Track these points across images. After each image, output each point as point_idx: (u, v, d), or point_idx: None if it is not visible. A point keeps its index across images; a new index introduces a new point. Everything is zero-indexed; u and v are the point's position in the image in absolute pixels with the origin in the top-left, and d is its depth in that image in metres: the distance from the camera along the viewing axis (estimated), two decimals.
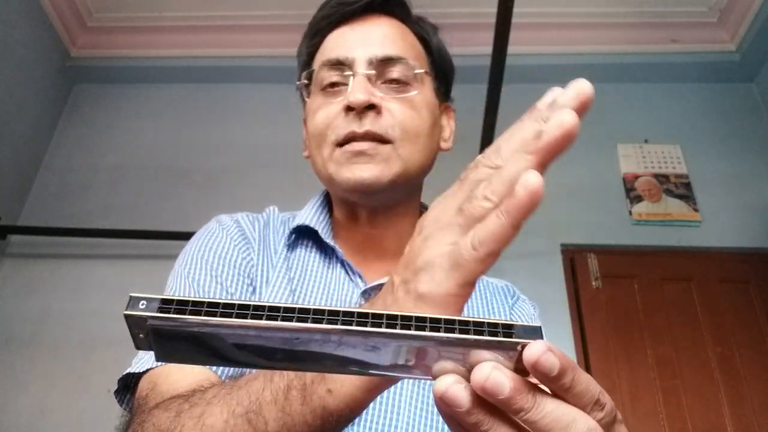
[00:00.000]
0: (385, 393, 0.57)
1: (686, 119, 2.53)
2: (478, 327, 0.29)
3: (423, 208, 0.78)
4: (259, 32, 2.71)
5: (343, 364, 0.31)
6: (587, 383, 0.29)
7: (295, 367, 0.32)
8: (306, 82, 0.71)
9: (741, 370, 1.97)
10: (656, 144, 2.47)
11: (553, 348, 0.28)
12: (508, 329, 0.29)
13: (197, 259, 0.63)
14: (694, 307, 2.09)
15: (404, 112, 0.65)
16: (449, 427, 0.31)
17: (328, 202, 0.75)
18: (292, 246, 0.69)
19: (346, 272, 0.67)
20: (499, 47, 1.41)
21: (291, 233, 0.69)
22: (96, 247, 2.32)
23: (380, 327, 0.28)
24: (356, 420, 0.55)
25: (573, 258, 2.22)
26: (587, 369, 1.99)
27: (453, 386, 0.28)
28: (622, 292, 2.14)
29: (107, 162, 2.58)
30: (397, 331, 0.29)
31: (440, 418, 0.56)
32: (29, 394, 2.08)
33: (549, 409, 0.28)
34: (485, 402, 0.28)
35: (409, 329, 0.29)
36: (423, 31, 0.74)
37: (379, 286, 0.64)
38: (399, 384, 0.58)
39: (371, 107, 0.63)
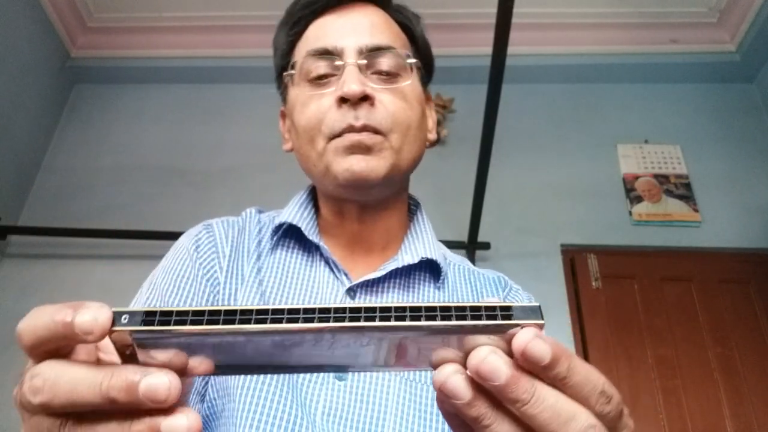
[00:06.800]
0: (371, 389, 0.56)
1: (686, 119, 2.53)
2: (476, 312, 0.27)
3: (411, 200, 0.76)
4: (259, 32, 2.71)
5: (328, 367, 0.29)
6: (587, 373, 0.27)
7: (284, 370, 0.30)
8: (292, 72, 0.68)
9: (741, 370, 1.97)
10: (656, 144, 2.47)
11: (543, 335, 0.26)
12: (506, 311, 0.27)
13: (157, 286, 0.62)
14: (694, 307, 2.09)
15: (396, 104, 0.64)
16: (449, 425, 0.29)
17: (313, 198, 0.73)
18: (273, 248, 0.67)
19: (331, 270, 0.65)
20: (499, 47, 1.41)
21: (274, 232, 0.67)
22: (96, 247, 2.32)
23: (373, 321, 0.27)
24: (339, 419, 0.54)
25: (573, 258, 2.22)
26: None
27: (453, 376, 0.27)
28: (622, 292, 2.14)
29: (107, 162, 2.58)
30: (392, 323, 0.27)
31: (431, 416, 0.55)
32: None
33: (549, 402, 0.26)
34: (488, 394, 0.27)
35: (404, 320, 0.27)
36: (406, 20, 0.72)
37: (365, 283, 0.63)
38: (386, 381, 0.57)
39: (365, 98, 0.61)
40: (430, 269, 0.68)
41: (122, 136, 2.65)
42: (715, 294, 2.11)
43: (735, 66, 2.55)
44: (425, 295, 0.66)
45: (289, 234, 0.68)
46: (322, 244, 0.66)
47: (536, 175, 2.42)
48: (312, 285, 0.64)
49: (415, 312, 0.27)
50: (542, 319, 0.27)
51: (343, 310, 0.27)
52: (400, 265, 0.64)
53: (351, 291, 0.63)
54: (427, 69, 0.73)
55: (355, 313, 0.27)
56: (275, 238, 0.67)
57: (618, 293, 2.13)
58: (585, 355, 2.02)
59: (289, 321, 0.27)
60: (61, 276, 2.30)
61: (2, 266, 2.35)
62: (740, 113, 2.53)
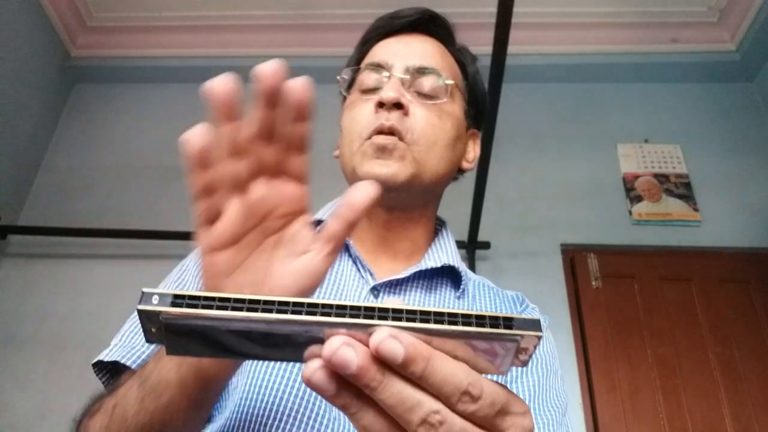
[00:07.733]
0: None
1: (686, 119, 2.53)
2: (481, 319, 0.29)
3: (437, 221, 0.81)
4: (259, 32, 2.71)
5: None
6: (449, 375, 0.28)
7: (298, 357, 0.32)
8: (347, 78, 0.76)
9: (741, 370, 1.97)
10: (656, 144, 2.47)
11: (400, 335, 0.28)
12: (508, 321, 0.29)
13: (189, 269, 0.68)
14: (694, 307, 2.09)
15: (428, 119, 0.69)
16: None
17: None
18: None
19: (357, 268, 0.69)
20: (499, 47, 1.41)
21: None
22: (96, 247, 2.32)
23: (373, 318, 0.29)
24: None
25: (573, 258, 2.22)
26: (587, 369, 1.99)
27: (317, 371, 0.28)
28: (622, 292, 2.13)
29: (107, 162, 2.58)
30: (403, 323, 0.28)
31: None
32: (29, 394, 2.08)
33: (395, 389, 0.28)
34: (351, 386, 0.28)
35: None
36: (462, 57, 0.80)
37: (389, 283, 0.67)
38: None
39: (400, 107, 0.67)
40: (452, 279, 0.72)
41: (122, 136, 2.65)
42: (715, 294, 2.11)
43: (735, 65, 2.55)
44: (446, 299, 0.70)
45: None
46: (351, 242, 0.70)
47: (536, 175, 2.42)
48: (337, 280, 0.67)
49: (411, 315, 0.29)
50: (541, 332, 0.29)
51: (344, 307, 0.29)
52: (422, 268, 0.69)
53: (375, 290, 0.66)
54: (475, 107, 0.79)
55: (355, 310, 0.29)
56: None
57: (618, 293, 2.13)
58: (585, 355, 2.02)
59: (309, 314, 0.29)
60: (61, 276, 2.30)
61: (2, 266, 2.35)
62: (740, 113, 2.53)
